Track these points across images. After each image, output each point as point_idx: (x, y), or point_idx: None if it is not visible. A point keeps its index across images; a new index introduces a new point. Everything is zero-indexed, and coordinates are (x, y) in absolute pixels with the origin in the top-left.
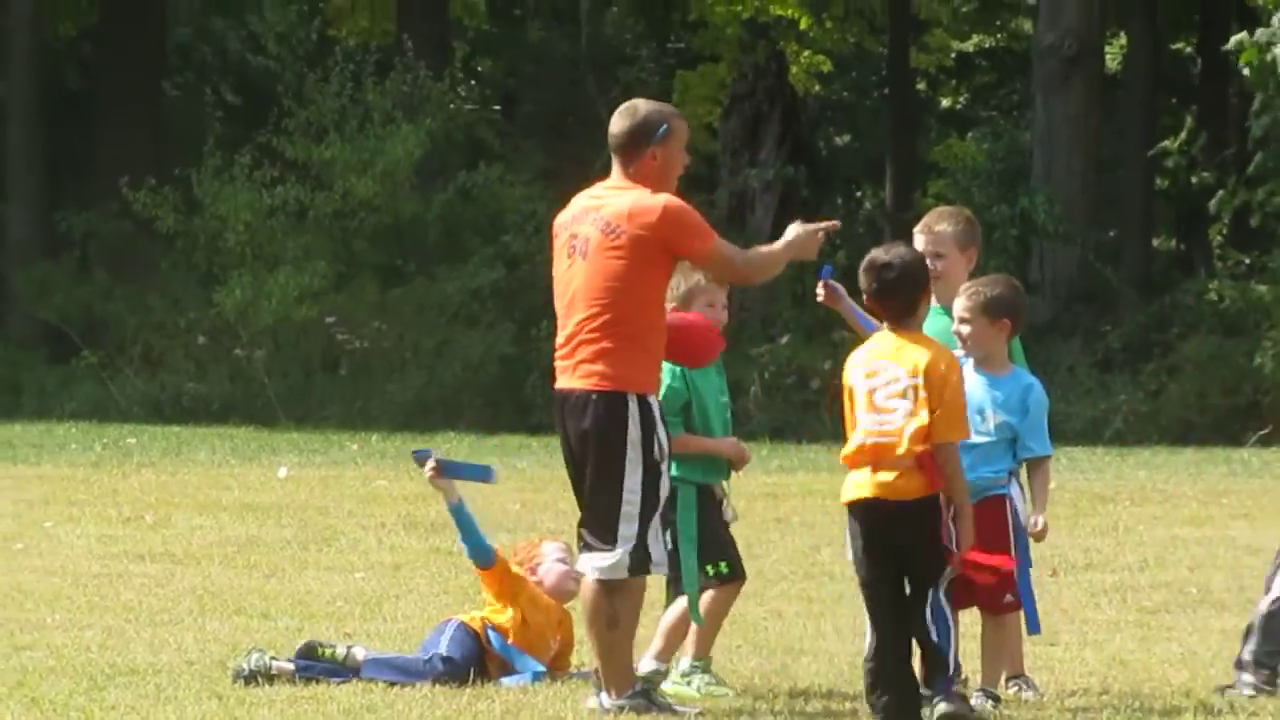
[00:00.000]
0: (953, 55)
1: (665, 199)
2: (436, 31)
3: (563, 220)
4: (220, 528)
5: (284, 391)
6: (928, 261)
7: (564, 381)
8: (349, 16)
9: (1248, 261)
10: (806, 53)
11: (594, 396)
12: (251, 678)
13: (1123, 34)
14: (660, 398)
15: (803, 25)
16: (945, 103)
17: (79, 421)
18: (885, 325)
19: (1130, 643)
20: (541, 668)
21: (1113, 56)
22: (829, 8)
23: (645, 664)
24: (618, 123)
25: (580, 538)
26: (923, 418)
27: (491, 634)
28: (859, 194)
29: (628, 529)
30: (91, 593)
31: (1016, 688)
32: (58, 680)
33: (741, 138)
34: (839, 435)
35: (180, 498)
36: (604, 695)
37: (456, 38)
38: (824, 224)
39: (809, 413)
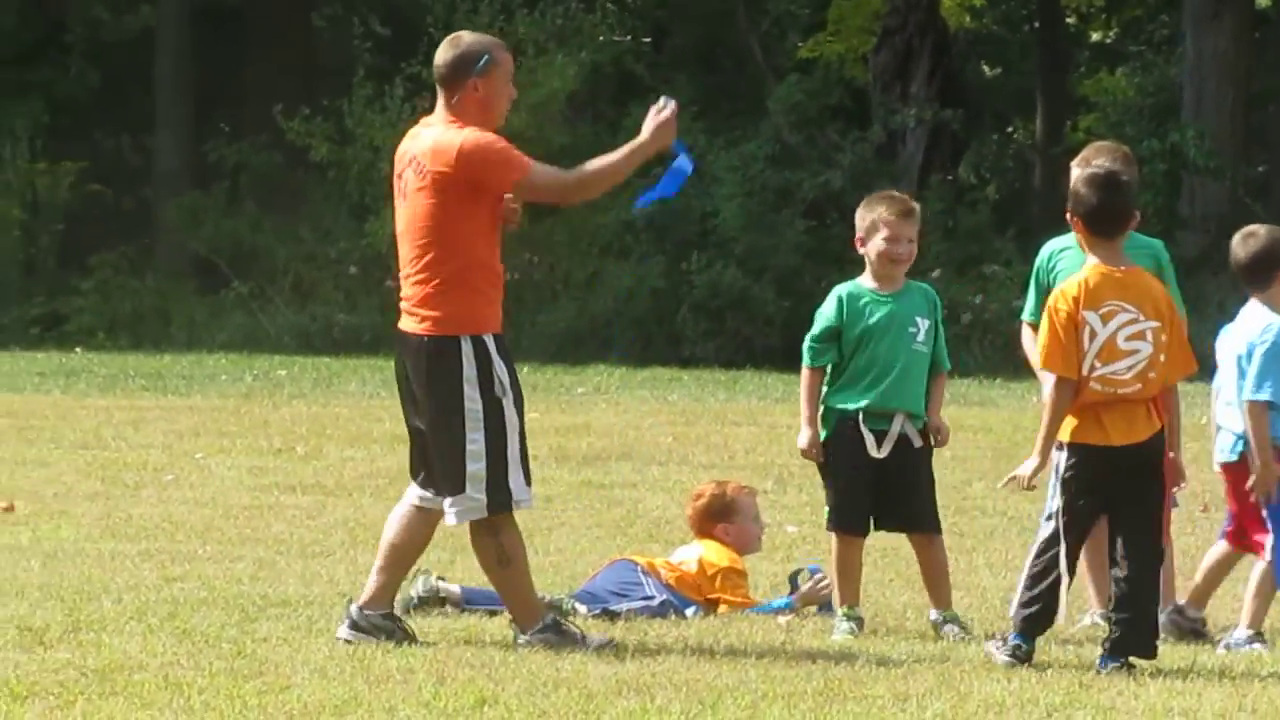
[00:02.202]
0: None
1: (464, 136)
2: None
3: (398, 156)
4: (371, 459)
5: None
6: None
7: (403, 323)
8: None
9: None
10: None
11: (425, 340)
12: (421, 604)
13: None
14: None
15: None
16: (1095, 36)
17: (229, 352)
18: (1099, 250)
19: None
20: (697, 607)
21: None
22: None
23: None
24: (440, 55)
25: (414, 474)
26: (1162, 361)
27: (649, 579)
28: (1009, 129)
29: (476, 466)
30: (242, 524)
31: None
32: (209, 612)
33: (892, 71)
34: (989, 369)
35: (331, 429)
36: (520, 632)
37: None
38: (666, 108)
39: (959, 347)
